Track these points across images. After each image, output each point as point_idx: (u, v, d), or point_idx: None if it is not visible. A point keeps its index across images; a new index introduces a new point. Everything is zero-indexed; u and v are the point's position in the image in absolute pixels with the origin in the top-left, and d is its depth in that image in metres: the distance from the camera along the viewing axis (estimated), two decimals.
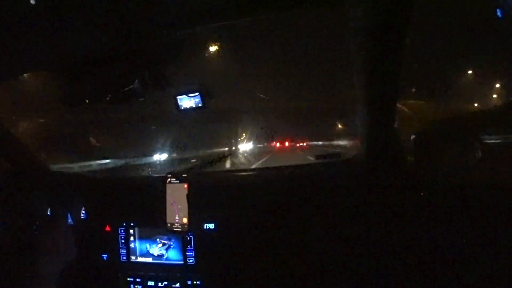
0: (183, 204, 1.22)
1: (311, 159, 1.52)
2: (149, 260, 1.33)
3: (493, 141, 1.16)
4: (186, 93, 1.03)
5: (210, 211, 1.30)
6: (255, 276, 1.23)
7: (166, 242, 1.31)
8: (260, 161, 6.27)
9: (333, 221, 1.18)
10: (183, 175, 1.25)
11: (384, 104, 1.01)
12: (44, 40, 0.79)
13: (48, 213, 1.38)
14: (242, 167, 4.77)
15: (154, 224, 1.32)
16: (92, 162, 3.76)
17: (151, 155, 4.21)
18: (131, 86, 0.88)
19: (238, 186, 1.45)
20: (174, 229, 1.24)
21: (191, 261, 1.27)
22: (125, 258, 1.35)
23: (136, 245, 1.35)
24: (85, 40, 0.83)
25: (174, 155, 4.34)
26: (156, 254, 1.32)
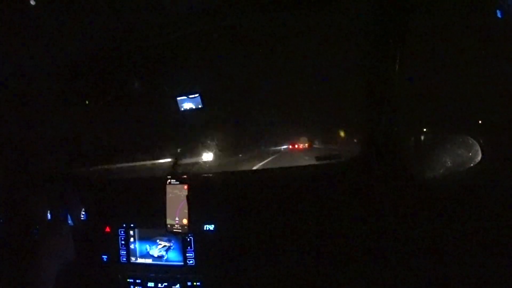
0: (183, 205, 1.22)
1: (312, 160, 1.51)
2: (149, 261, 1.32)
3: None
4: (186, 94, 1.03)
5: (210, 212, 1.29)
6: (255, 277, 1.22)
7: (166, 243, 1.31)
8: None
9: (333, 221, 1.18)
10: (183, 176, 1.25)
11: (384, 105, 1.01)
12: (44, 40, 0.79)
13: (48, 216, 1.37)
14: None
15: (154, 225, 1.31)
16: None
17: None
18: (131, 86, 0.88)
19: (238, 187, 1.44)
20: (174, 230, 1.23)
21: (191, 262, 1.27)
22: (125, 259, 1.35)
23: (136, 246, 1.34)
24: (85, 40, 0.84)
25: None
26: (156, 255, 1.31)
